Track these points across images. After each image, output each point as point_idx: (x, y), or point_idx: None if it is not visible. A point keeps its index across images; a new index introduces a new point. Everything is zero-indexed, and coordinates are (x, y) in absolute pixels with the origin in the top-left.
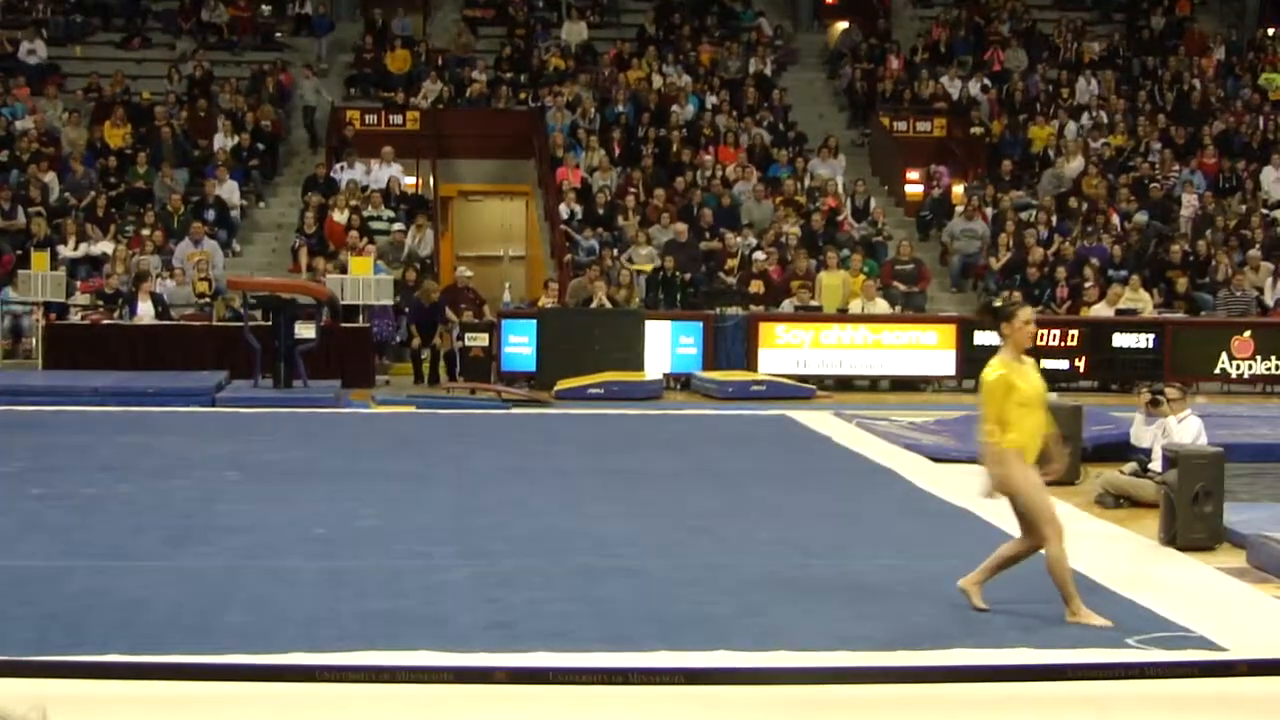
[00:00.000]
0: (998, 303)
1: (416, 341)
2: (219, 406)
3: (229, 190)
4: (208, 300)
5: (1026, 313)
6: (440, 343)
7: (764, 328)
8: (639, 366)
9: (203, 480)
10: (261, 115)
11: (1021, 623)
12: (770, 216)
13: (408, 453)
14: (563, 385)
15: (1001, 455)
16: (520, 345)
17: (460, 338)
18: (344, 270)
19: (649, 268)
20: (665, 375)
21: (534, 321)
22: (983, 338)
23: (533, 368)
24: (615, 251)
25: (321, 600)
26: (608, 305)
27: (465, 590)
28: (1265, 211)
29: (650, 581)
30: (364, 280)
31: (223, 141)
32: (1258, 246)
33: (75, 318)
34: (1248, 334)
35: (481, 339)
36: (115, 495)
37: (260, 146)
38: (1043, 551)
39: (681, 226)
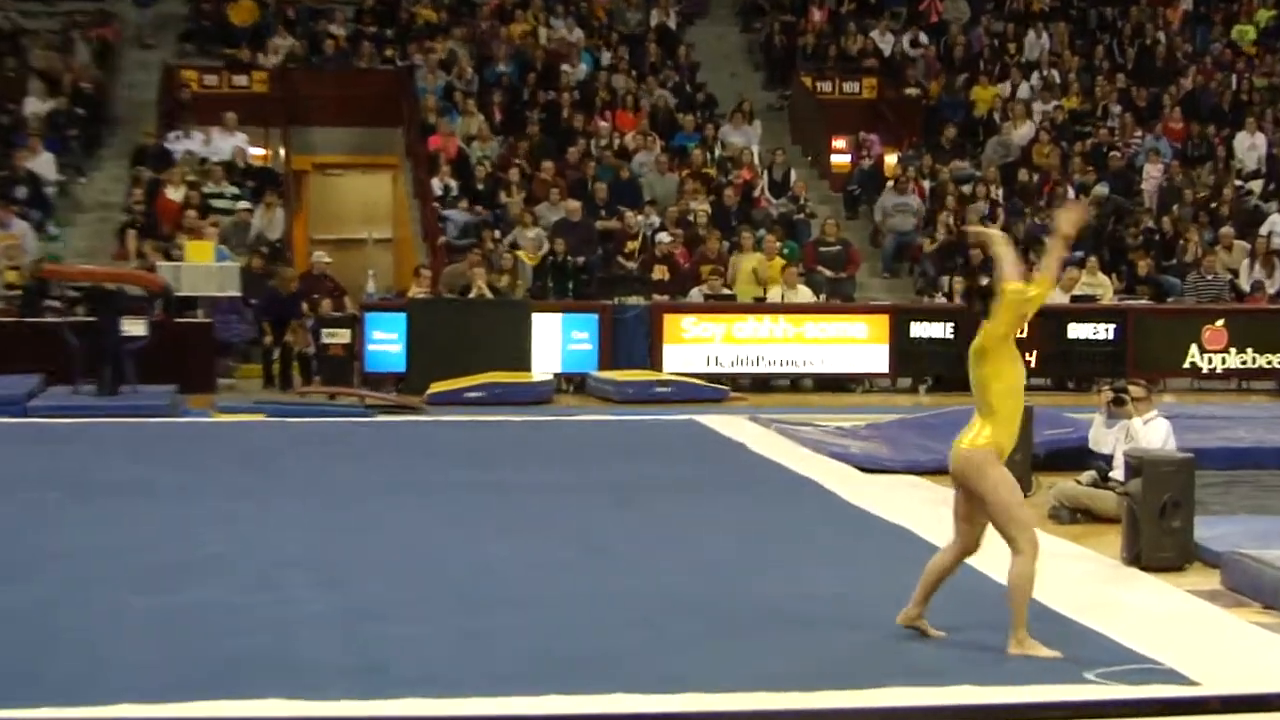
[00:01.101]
0: (984, 280)
1: (268, 339)
2: (32, 416)
3: (43, 163)
4: (18, 292)
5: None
6: (294, 340)
7: (669, 320)
8: (525, 366)
9: (16, 503)
10: (80, 75)
11: (961, 655)
12: (676, 192)
13: (256, 468)
14: (437, 388)
15: (984, 456)
16: (387, 342)
17: (317, 334)
18: (180, 257)
19: (535, 255)
20: (556, 375)
21: (403, 315)
22: (920, 329)
23: (402, 368)
24: (497, 233)
25: (156, 642)
26: (488, 295)
27: (324, 627)
28: (1239, 183)
29: (539, 613)
30: (204, 268)
31: (35, 106)
32: (1230, 223)
33: None
34: (1220, 323)
35: (342, 335)
36: None
37: (80, 112)
38: (984, 562)
39: (574, 204)
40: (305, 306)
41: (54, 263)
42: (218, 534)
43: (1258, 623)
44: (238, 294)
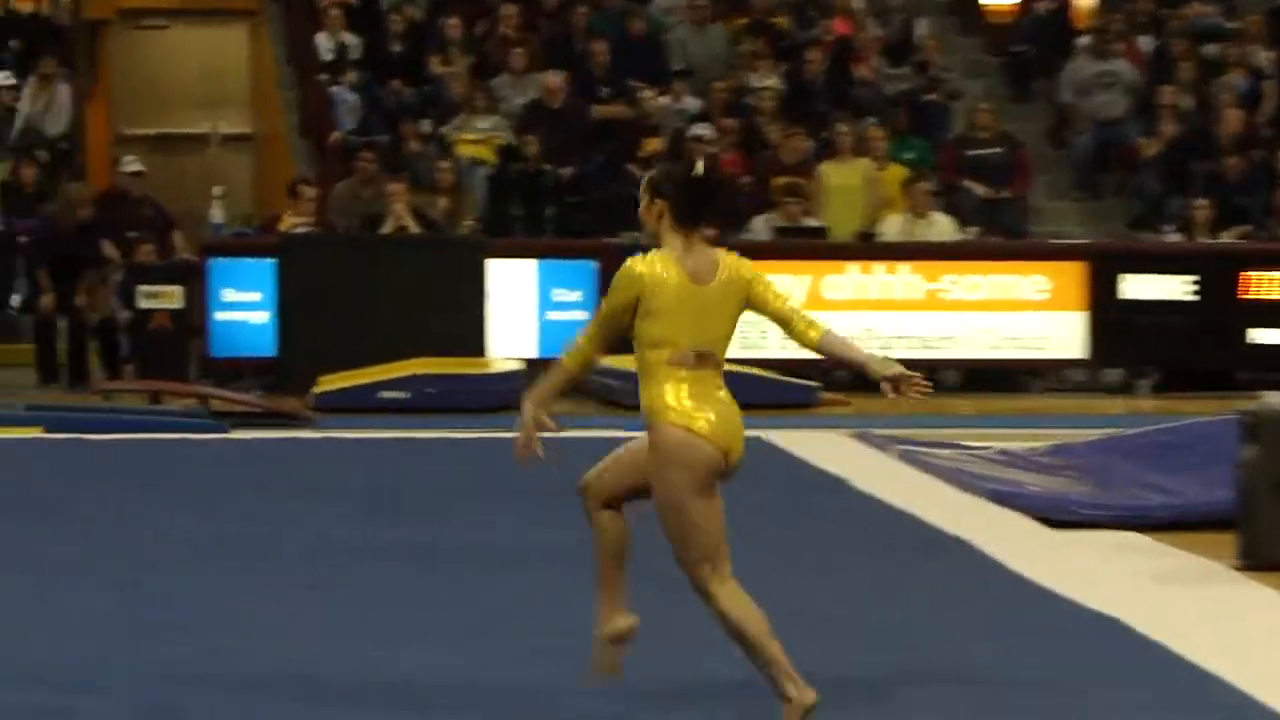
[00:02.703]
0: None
1: (47, 300)
2: None
3: None
4: None
5: None
6: (89, 303)
7: None
8: (476, 347)
9: None
10: None
11: None
12: (724, 57)
13: (26, 517)
14: (328, 385)
15: None
16: (245, 308)
17: (128, 294)
18: None
19: (492, 161)
20: (528, 364)
21: (271, 262)
22: (1139, 286)
23: (270, 350)
24: (426, 125)
25: None
26: (413, 228)
27: None
28: None
29: None
30: None
31: None
32: None
33: None
34: None
35: (169, 297)
36: None
37: None
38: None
39: (553, 78)
40: (108, 248)
41: None
42: None
43: None
44: None
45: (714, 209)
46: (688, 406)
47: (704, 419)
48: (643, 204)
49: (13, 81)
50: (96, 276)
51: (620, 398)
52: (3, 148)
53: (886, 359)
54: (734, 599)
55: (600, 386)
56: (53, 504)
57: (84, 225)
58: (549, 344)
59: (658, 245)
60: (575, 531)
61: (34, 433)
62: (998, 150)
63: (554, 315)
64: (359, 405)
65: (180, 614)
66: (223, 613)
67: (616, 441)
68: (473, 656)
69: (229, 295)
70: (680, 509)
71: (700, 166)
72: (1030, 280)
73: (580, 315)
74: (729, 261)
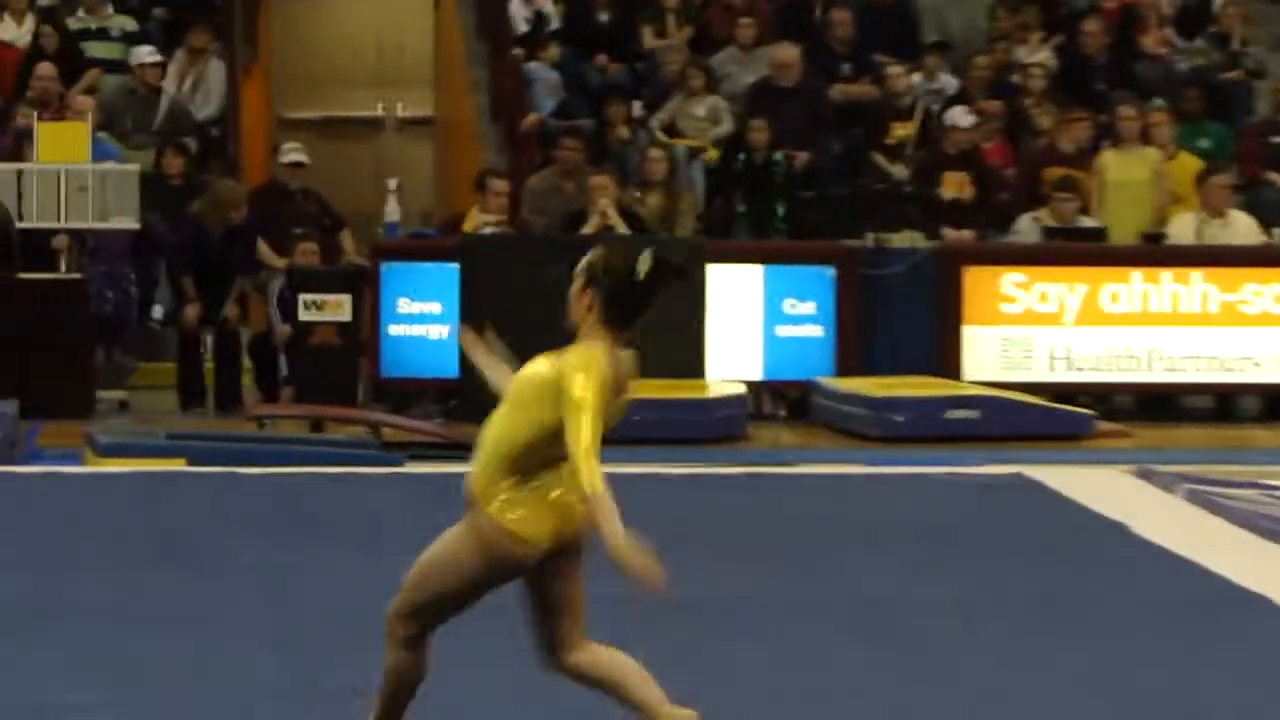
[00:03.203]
0: None
1: (192, 311)
2: None
3: None
4: None
5: None
6: (239, 314)
7: (974, 278)
8: (693, 369)
9: None
10: None
11: None
12: (986, 27)
13: (168, 565)
14: None
15: None
16: (423, 321)
17: (287, 305)
18: (25, 154)
19: (713, 150)
20: (752, 386)
21: (454, 268)
22: None
23: (451, 370)
24: (636, 107)
25: None
26: (620, 228)
27: None
28: None
29: None
30: (72, 175)
31: None
32: None
33: None
34: None
35: (334, 306)
36: None
37: None
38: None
39: (788, 51)
40: (264, 251)
41: None
42: (97, 694)
43: None
44: (133, 226)
45: (645, 313)
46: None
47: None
48: (574, 286)
49: (158, 58)
50: (250, 284)
51: (860, 427)
52: (145, 134)
53: (634, 548)
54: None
55: (836, 414)
56: (198, 550)
57: (234, 228)
58: (777, 364)
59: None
60: (799, 589)
61: (176, 465)
62: None
63: (783, 330)
64: None
65: (348, 679)
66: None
67: (849, 479)
68: None
69: (405, 306)
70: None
71: (644, 267)
72: None
73: (814, 330)
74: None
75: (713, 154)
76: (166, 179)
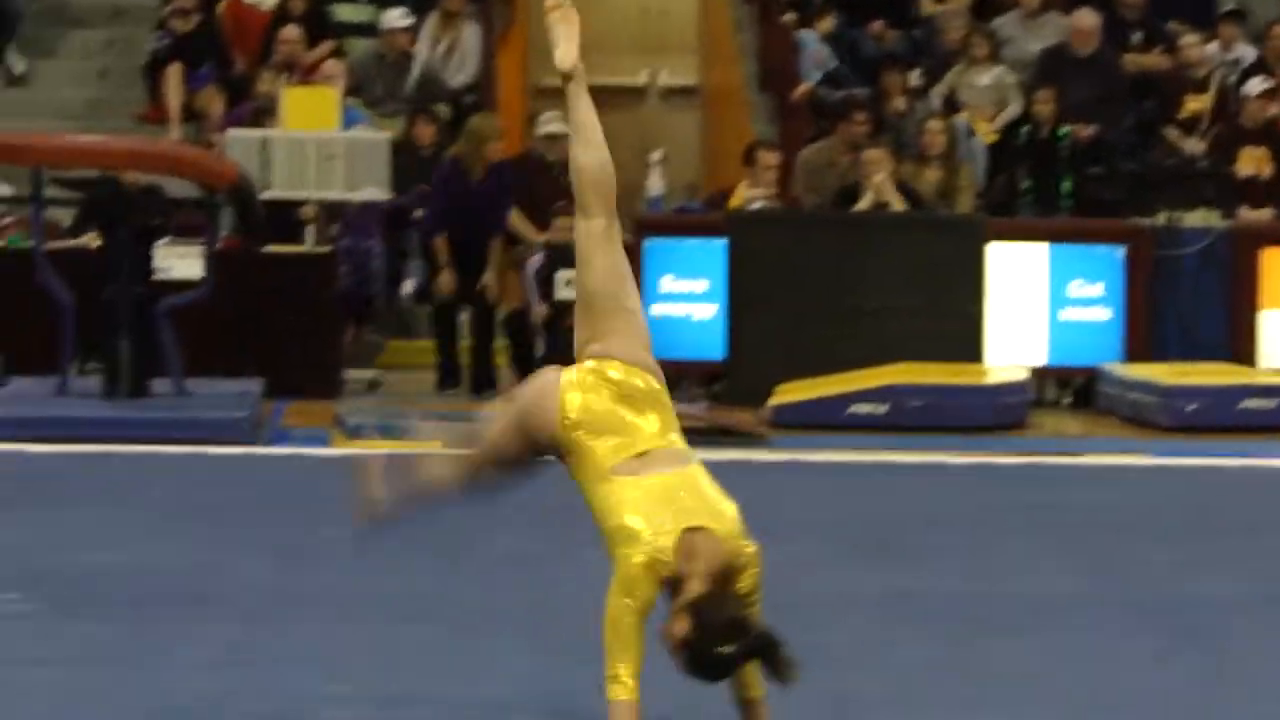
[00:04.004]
0: None
1: (446, 279)
2: None
3: None
4: None
5: None
6: (498, 290)
7: (1271, 259)
8: (971, 352)
9: None
10: None
11: None
12: None
13: (423, 555)
14: (789, 396)
15: None
16: (688, 299)
17: (545, 281)
18: (271, 122)
19: (993, 126)
20: (1034, 372)
21: (721, 243)
22: None
23: (717, 352)
24: (915, 77)
25: None
26: (895, 206)
27: None
28: None
29: None
30: (319, 144)
31: None
32: None
33: None
34: None
35: None
36: None
37: None
38: None
39: (1087, 17)
40: (522, 224)
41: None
42: (351, 688)
43: None
44: (384, 197)
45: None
46: None
47: None
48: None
49: (409, 21)
50: (507, 260)
51: (1149, 416)
52: (395, 101)
53: None
54: None
55: (1123, 402)
56: (451, 537)
57: (492, 182)
58: (1062, 349)
59: None
60: (1080, 576)
61: (430, 448)
62: None
63: (1069, 314)
64: (825, 421)
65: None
66: (656, 679)
67: (1136, 470)
68: None
69: (668, 284)
70: None
71: (729, 650)
72: None
73: (1102, 314)
74: None
75: (984, 128)
76: (417, 149)
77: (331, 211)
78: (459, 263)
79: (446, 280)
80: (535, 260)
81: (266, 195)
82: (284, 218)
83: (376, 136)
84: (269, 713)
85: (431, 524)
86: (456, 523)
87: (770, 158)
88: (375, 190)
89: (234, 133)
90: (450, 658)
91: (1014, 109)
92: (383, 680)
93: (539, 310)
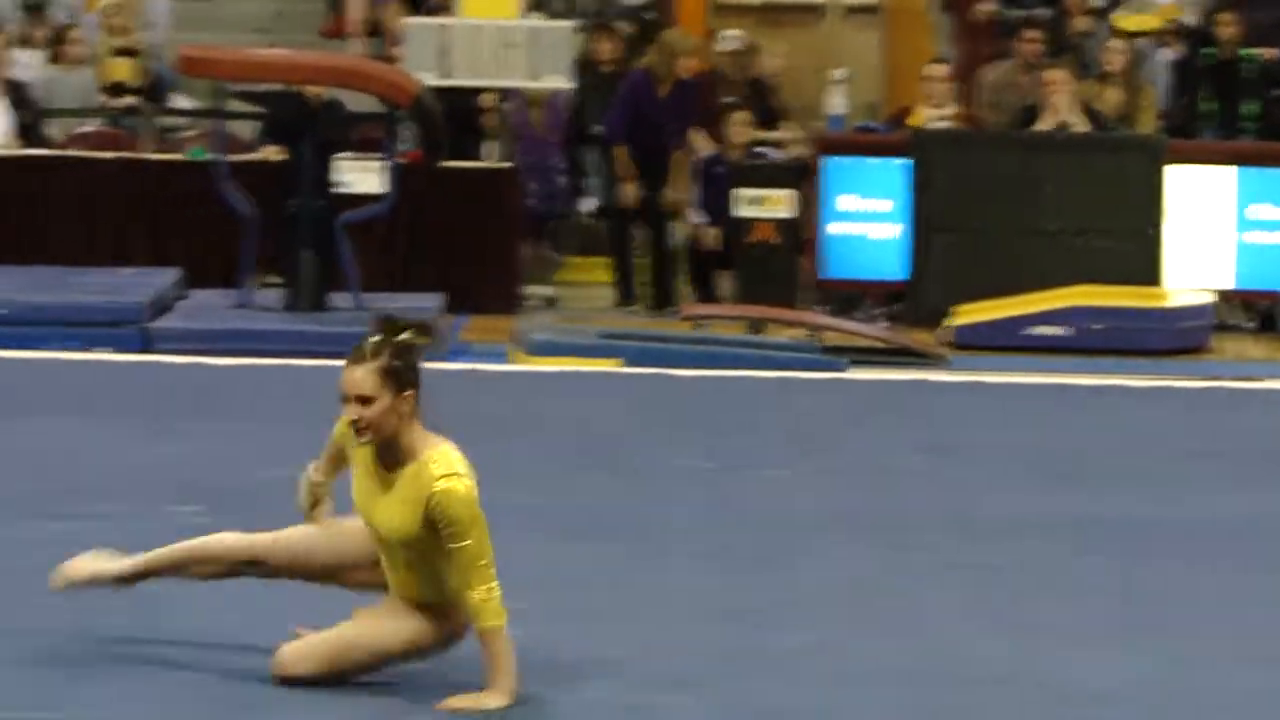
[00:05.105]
0: None
1: (629, 190)
2: (158, 350)
3: None
4: (129, 100)
5: None
6: (672, 203)
7: None
8: (1151, 275)
9: (108, 526)
10: None
11: None
12: None
13: (601, 472)
14: (969, 316)
15: None
16: (869, 219)
17: (722, 199)
18: (445, 19)
19: (1175, 36)
20: (1219, 295)
21: (903, 164)
22: None
23: (897, 273)
24: None
25: None
26: (1077, 126)
27: None
28: None
29: None
30: (500, 31)
31: None
32: None
33: None
34: None
35: (775, 202)
36: None
37: None
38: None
39: None
40: (700, 140)
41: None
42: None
43: None
44: (566, 85)
45: None
46: None
47: None
48: (381, 404)
49: None
50: (681, 160)
51: None
52: (574, 15)
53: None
54: None
55: None
56: (629, 454)
57: (678, 96)
58: (1247, 273)
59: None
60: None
61: (612, 365)
62: None
63: (1252, 237)
64: (1005, 343)
65: (781, 597)
66: (836, 598)
67: None
68: (1161, 662)
69: (848, 204)
70: None
71: (423, 337)
72: None
73: None
74: None
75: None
76: (596, 65)
77: (516, 131)
78: (642, 167)
79: (629, 192)
80: (699, 187)
81: (447, 83)
82: (464, 111)
83: (559, 24)
84: None
85: (608, 441)
86: (635, 439)
87: (938, 70)
88: (557, 79)
89: (412, 21)
90: (627, 576)
91: (1195, 14)
92: (560, 599)
93: (708, 231)
